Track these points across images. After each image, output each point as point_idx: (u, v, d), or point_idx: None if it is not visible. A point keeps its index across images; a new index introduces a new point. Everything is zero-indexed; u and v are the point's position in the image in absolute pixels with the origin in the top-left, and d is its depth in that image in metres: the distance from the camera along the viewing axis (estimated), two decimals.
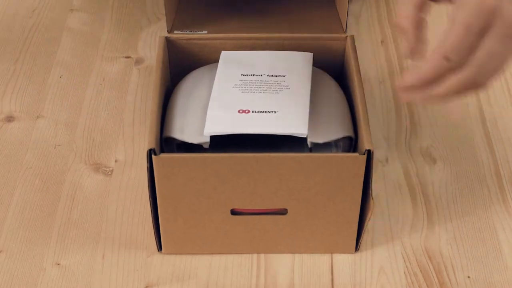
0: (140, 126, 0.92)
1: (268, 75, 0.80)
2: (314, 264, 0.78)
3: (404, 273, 0.77)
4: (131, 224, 0.81)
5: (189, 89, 0.80)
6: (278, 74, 0.80)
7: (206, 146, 0.74)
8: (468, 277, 0.77)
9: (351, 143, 0.76)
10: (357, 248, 0.78)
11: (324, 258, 0.78)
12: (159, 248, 0.78)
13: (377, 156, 0.89)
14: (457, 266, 0.78)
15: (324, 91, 0.80)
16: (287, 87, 0.78)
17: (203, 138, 0.74)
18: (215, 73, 0.81)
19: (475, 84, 0.66)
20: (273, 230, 0.76)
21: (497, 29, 0.65)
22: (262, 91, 0.78)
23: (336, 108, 0.78)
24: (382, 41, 1.04)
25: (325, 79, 0.82)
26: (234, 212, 0.75)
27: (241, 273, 0.77)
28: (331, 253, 0.78)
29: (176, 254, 0.78)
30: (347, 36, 0.84)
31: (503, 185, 0.86)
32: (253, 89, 0.78)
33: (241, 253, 0.78)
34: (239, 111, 0.75)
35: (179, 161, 0.71)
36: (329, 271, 0.77)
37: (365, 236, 0.80)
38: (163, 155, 0.70)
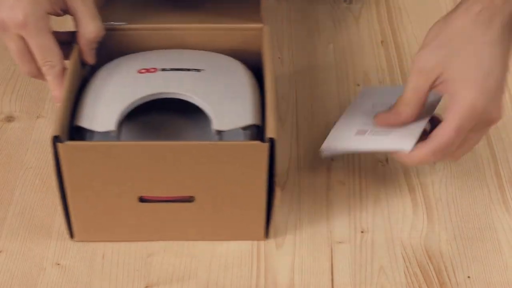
0: None
1: None
2: (314, 264, 0.78)
3: (404, 273, 0.77)
4: None
5: (102, 79, 0.81)
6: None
7: (114, 134, 0.75)
8: (468, 277, 0.77)
9: (259, 131, 0.77)
10: (267, 235, 0.79)
11: (324, 258, 0.78)
12: (71, 235, 0.79)
13: (377, 156, 0.89)
14: (457, 266, 0.78)
15: (236, 80, 0.81)
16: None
17: (110, 127, 0.75)
18: (130, 64, 0.83)
19: (452, 159, 0.78)
20: (182, 218, 0.77)
21: (481, 125, 0.73)
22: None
23: (246, 96, 0.79)
24: (382, 41, 1.04)
25: (239, 68, 0.83)
26: (142, 200, 0.75)
27: (241, 273, 0.77)
28: (241, 240, 0.79)
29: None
30: (263, 26, 0.85)
31: (503, 185, 0.86)
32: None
33: (151, 240, 0.79)
34: (357, 132, 0.79)
35: (84, 149, 0.72)
36: (329, 271, 0.77)
37: (365, 236, 0.80)
38: (68, 142, 0.71)
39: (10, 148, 0.90)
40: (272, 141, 0.71)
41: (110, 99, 0.78)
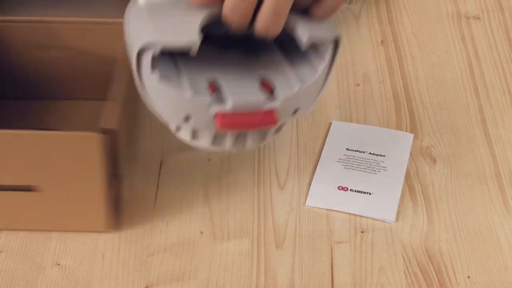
0: None
1: (370, 153, 0.87)
2: (314, 264, 0.78)
3: (404, 273, 0.77)
4: (131, 224, 0.81)
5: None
6: (379, 154, 0.87)
7: (195, 48, 0.64)
8: (468, 277, 0.77)
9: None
10: (113, 227, 0.79)
11: (324, 258, 0.78)
12: None
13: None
14: (457, 266, 0.78)
15: None
16: (384, 169, 0.85)
17: (191, 38, 0.64)
18: None
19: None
20: (23, 207, 0.76)
21: None
22: (362, 170, 0.85)
23: None
24: (382, 41, 1.04)
25: None
26: None
27: (241, 273, 0.77)
28: (85, 231, 0.79)
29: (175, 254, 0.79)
30: None
31: (503, 185, 0.86)
32: (354, 166, 0.86)
33: None
34: (338, 188, 0.83)
35: None
36: (329, 271, 0.77)
37: (365, 236, 0.80)
38: None
39: None
40: (111, 133, 0.70)
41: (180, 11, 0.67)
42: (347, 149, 0.88)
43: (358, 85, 0.98)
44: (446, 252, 0.79)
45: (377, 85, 0.98)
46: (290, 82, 0.69)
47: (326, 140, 0.90)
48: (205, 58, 0.71)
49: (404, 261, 0.78)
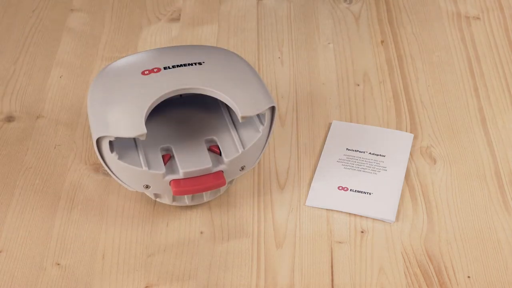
0: None
1: (370, 153, 0.88)
2: (314, 264, 0.78)
3: (404, 273, 0.77)
4: (131, 224, 0.82)
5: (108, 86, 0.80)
6: (379, 154, 0.88)
7: (144, 137, 0.75)
8: (468, 277, 0.77)
9: (273, 112, 0.80)
10: None
11: (324, 258, 0.78)
12: None
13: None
14: (457, 266, 0.78)
15: (238, 69, 0.82)
16: (384, 169, 0.86)
17: (139, 130, 0.75)
18: (132, 66, 0.81)
19: None
20: None
21: None
22: (362, 170, 0.85)
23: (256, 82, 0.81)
24: (382, 41, 1.04)
25: (235, 57, 0.84)
26: None
27: (241, 273, 0.77)
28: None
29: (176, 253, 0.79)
30: None
31: (503, 185, 0.86)
32: (354, 166, 0.86)
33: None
34: (338, 188, 0.84)
35: None
36: (329, 271, 0.77)
37: (365, 236, 0.80)
38: None
39: (10, 148, 0.90)
40: None
41: (130, 104, 0.77)
42: (347, 149, 0.88)
43: (358, 85, 0.98)
44: (446, 252, 0.79)
45: (377, 85, 0.98)
46: (235, 145, 0.81)
47: (326, 140, 0.90)
48: (160, 128, 0.83)
49: (404, 261, 0.78)
